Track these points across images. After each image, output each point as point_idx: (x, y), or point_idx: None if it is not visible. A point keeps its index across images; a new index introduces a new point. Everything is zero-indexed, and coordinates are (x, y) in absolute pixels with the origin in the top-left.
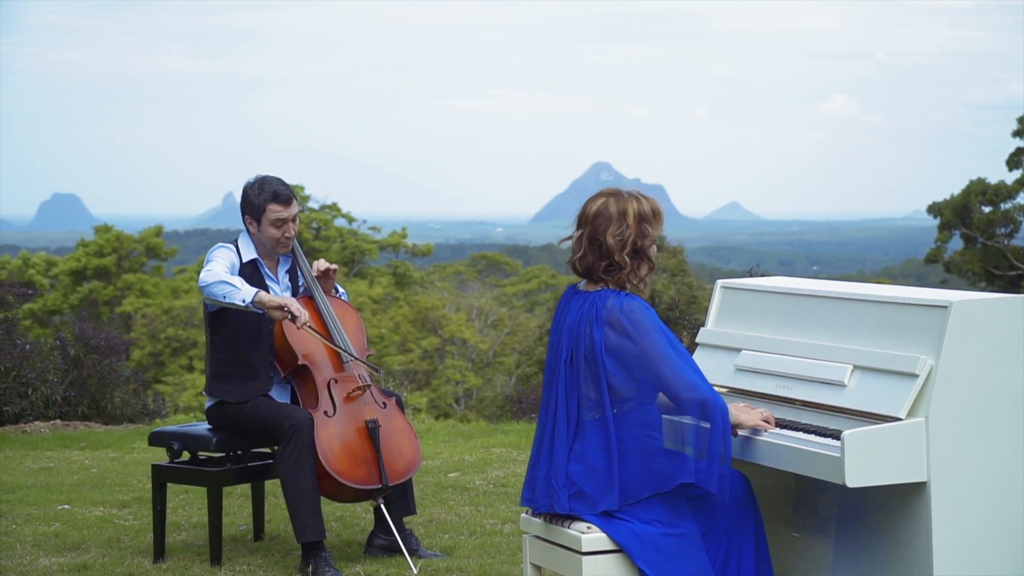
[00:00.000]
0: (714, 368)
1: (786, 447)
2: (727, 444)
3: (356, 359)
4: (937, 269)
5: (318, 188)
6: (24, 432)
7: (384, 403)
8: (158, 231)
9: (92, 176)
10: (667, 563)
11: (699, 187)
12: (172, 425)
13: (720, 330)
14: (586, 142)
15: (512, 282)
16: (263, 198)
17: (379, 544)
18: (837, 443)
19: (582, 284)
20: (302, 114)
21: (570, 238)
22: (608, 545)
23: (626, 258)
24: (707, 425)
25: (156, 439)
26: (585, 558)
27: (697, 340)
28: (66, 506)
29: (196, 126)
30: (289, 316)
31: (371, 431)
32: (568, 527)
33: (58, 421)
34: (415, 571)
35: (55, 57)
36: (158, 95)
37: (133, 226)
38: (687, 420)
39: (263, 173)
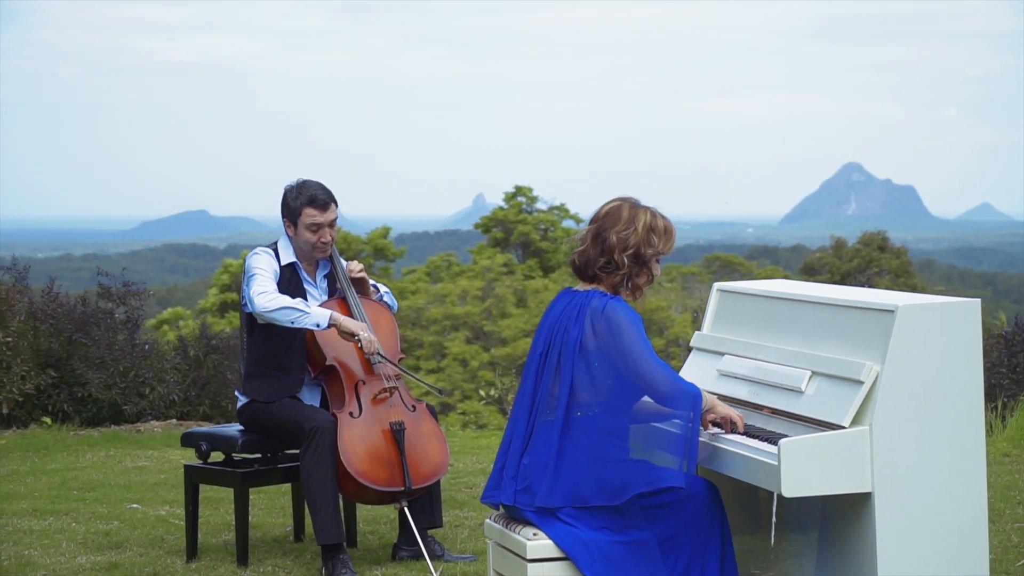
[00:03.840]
0: (701, 373)
1: (733, 453)
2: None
3: (387, 360)
4: None
5: (546, 190)
6: (138, 432)
7: (413, 406)
8: (385, 232)
9: (345, 177)
10: (615, 571)
11: (950, 188)
12: (205, 426)
13: (710, 334)
14: (836, 143)
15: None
16: (300, 202)
17: (403, 555)
18: (776, 451)
19: (576, 285)
20: (550, 116)
21: (578, 236)
22: (555, 552)
23: (625, 259)
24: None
25: (187, 439)
26: (530, 565)
27: (691, 344)
28: (136, 505)
29: (447, 128)
30: (359, 344)
31: (396, 433)
32: (518, 533)
33: (173, 421)
34: (436, 575)
35: (307, 59)
36: (409, 97)
37: (377, 227)
38: (674, 423)
39: (303, 177)
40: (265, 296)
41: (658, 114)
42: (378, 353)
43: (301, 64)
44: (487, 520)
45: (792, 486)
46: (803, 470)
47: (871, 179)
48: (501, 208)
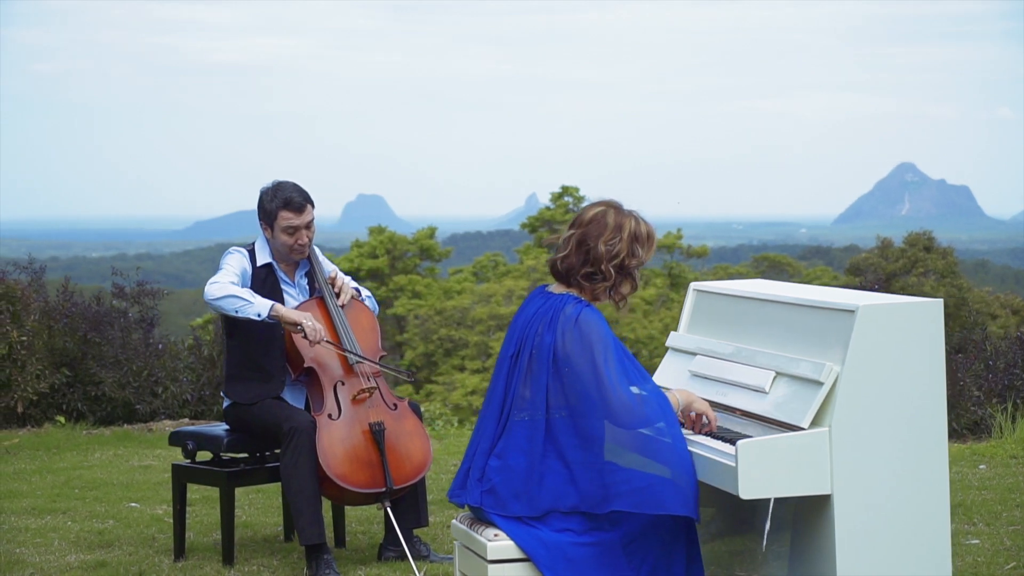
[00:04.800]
0: (674, 374)
1: (696, 455)
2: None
3: (363, 359)
4: None
5: (593, 190)
6: (149, 431)
7: (395, 404)
8: (431, 232)
9: (396, 177)
10: (576, 572)
11: (1005, 188)
12: (191, 426)
13: (685, 334)
14: (890, 143)
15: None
16: (275, 205)
17: (388, 556)
18: (734, 451)
19: (551, 286)
20: (602, 116)
21: (557, 237)
22: (516, 553)
23: (611, 270)
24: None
25: (175, 439)
26: (491, 566)
27: (667, 344)
28: (135, 504)
29: (499, 128)
30: (302, 334)
31: (375, 433)
32: (481, 533)
33: (186, 420)
34: (419, 575)
35: (361, 59)
36: (460, 97)
37: (438, 227)
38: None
39: (279, 179)
40: (215, 285)
41: (708, 114)
42: (325, 340)
43: (351, 64)
44: (453, 520)
45: (750, 488)
46: (761, 472)
47: (925, 179)
48: (548, 208)
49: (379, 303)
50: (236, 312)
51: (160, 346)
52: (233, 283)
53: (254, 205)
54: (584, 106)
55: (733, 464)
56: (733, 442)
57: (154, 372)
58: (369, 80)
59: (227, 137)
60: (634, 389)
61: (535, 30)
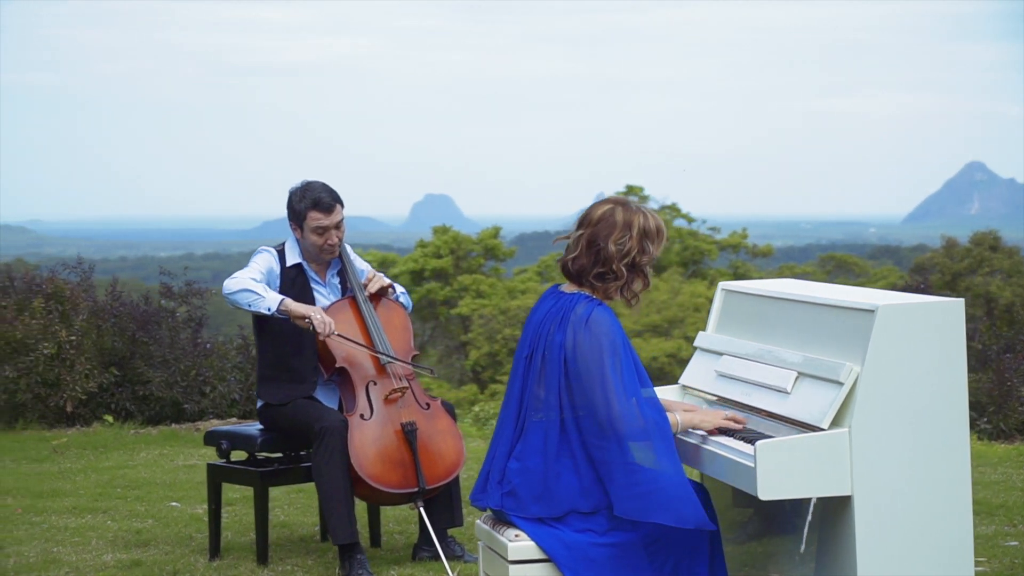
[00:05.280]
0: (701, 374)
1: (716, 454)
2: (665, 478)
3: (395, 359)
4: None
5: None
6: (196, 430)
7: (427, 404)
8: (495, 232)
9: (464, 177)
10: (597, 573)
11: None
12: (227, 425)
13: (713, 335)
14: (959, 142)
15: (860, 283)
16: (304, 205)
17: (422, 556)
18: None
19: (563, 286)
20: (669, 115)
21: (567, 237)
22: (537, 554)
23: (623, 269)
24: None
25: (209, 438)
26: (512, 567)
27: (695, 344)
28: (176, 504)
29: (567, 127)
30: (311, 327)
31: (408, 433)
32: (502, 533)
33: (234, 420)
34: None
35: (430, 59)
36: (529, 96)
37: (505, 226)
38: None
39: (308, 180)
40: (232, 280)
41: (777, 113)
42: (335, 333)
43: (420, 64)
44: (477, 521)
45: (768, 489)
46: (780, 473)
47: (994, 178)
48: None
49: (443, 302)
50: (249, 306)
51: (208, 345)
52: (254, 279)
53: None
54: (651, 105)
55: (752, 465)
56: (754, 443)
57: (202, 372)
58: (438, 80)
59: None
60: (645, 393)
61: (603, 29)
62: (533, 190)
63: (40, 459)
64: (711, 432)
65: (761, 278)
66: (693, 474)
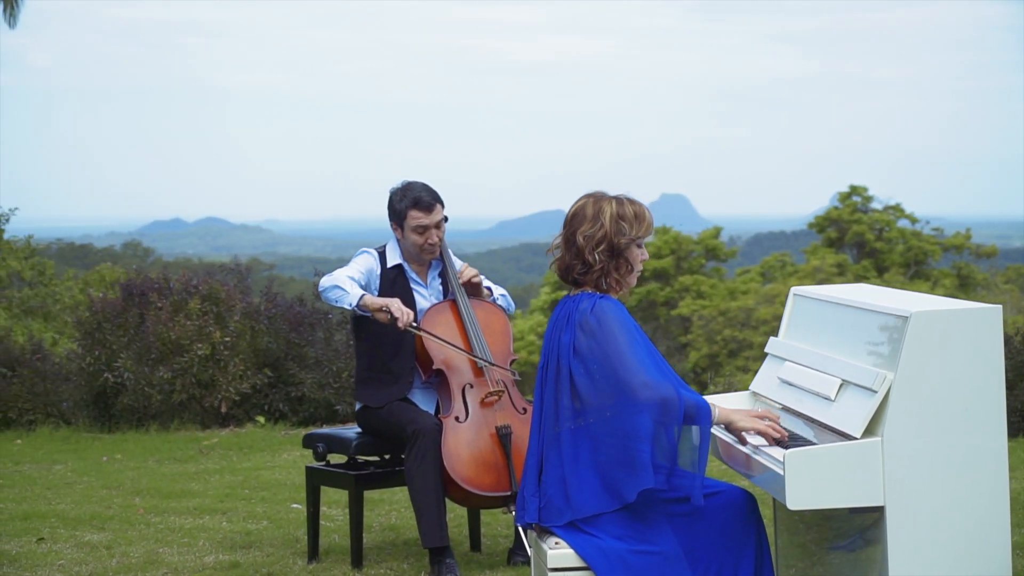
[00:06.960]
0: (767, 380)
1: (758, 462)
2: (695, 446)
3: (490, 364)
4: None
5: (883, 190)
6: None
7: (524, 409)
8: (716, 232)
9: (700, 177)
10: None
11: None
12: (326, 428)
13: (781, 340)
14: None
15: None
16: (404, 204)
17: (516, 562)
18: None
19: (571, 292)
20: (900, 115)
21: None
22: (576, 561)
23: (597, 256)
24: (674, 426)
25: (307, 441)
26: (552, 574)
27: (765, 350)
28: (297, 505)
29: (803, 127)
30: (389, 317)
31: (502, 437)
32: (544, 542)
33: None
34: None
35: (664, 58)
36: (764, 95)
37: (735, 226)
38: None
39: (408, 180)
40: (327, 277)
41: (1008, 111)
42: (413, 324)
43: (655, 64)
44: (528, 531)
45: (797, 498)
46: (809, 482)
47: None
48: (836, 208)
49: (663, 303)
50: (336, 302)
51: (340, 347)
52: (350, 278)
53: (556, 205)
54: (884, 104)
55: (782, 472)
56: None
57: (336, 370)
58: (672, 79)
59: (531, 137)
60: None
61: (837, 28)
62: (770, 189)
63: (184, 460)
64: (743, 431)
65: (984, 280)
66: (742, 483)
